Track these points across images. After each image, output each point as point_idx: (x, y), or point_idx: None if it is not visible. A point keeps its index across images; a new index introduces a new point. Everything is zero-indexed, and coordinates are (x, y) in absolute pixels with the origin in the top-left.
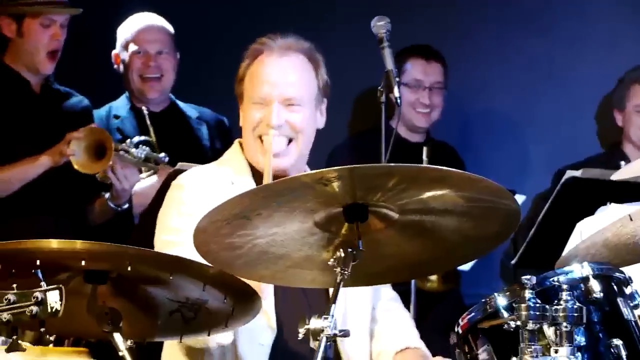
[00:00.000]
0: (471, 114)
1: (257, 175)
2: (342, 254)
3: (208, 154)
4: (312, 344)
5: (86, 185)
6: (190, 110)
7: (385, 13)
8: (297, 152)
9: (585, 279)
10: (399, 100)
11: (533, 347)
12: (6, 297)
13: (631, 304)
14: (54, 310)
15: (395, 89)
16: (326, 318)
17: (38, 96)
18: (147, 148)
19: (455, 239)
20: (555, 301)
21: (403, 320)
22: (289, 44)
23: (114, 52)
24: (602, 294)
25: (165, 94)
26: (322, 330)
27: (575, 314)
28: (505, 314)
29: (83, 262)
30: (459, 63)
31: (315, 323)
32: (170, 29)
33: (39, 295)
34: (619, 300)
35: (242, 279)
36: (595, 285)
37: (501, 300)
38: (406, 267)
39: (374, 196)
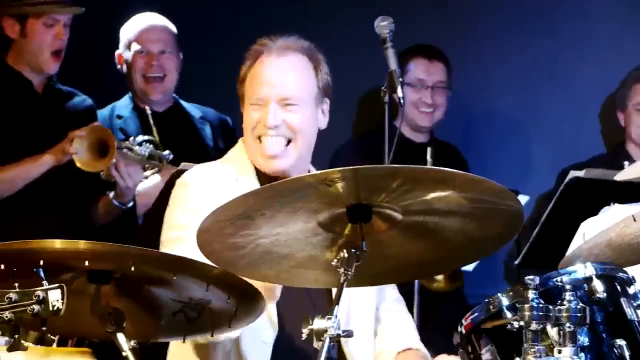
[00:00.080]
0: (474, 114)
1: (260, 174)
2: (346, 255)
3: (211, 154)
4: (316, 344)
5: (90, 184)
6: (194, 110)
7: (388, 13)
8: (296, 153)
9: (588, 279)
10: (402, 101)
11: (536, 347)
12: (8, 295)
13: (634, 304)
14: (55, 308)
15: (399, 89)
16: (329, 318)
17: (40, 96)
18: (151, 145)
19: (459, 240)
20: (559, 301)
21: (405, 322)
22: (288, 44)
23: (117, 52)
24: (605, 294)
25: (169, 95)
26: (326, 331)
27: (579, 314)
28: (509, 314)
29: (86, 262)
30: (463, 63)
31: (318, 323)
32: (173, 28)
33: (40, 293)
34: (623, 300)
35: (251, 281)
36: (598, 286)
37: (504, 301)
38: (409, 267)
39: (377, 197)
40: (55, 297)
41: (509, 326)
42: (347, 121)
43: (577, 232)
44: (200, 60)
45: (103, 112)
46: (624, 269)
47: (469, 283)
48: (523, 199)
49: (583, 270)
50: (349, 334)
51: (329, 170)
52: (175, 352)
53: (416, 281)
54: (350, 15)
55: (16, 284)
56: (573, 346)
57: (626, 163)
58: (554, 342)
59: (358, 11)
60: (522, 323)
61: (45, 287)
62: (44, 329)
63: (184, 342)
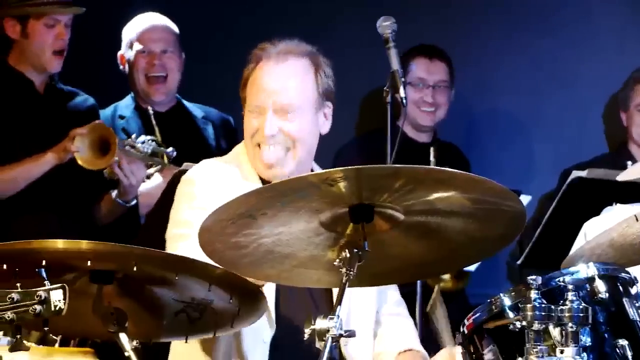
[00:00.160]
0: (477, 114)
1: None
2: (348, 255)
3: (214, 154)
4: (318, 345)
5: (92, 184)
6: (196, 110)
7: (391, 13)
8: (295, 161)
9: (590, 279)
10: (405, 101)
11: (539, 347)
12: (10, 296)
13: (637, 304)
14: (57, 308)
15: (401, 89)
16: (332, 318)
17: (42, 96)
18: (154, 143)
19: (461, 240)
20: (561, 301)
21: (406, 324)
22: (288, 49)
23: (119, 52)
24: (607, 294)
25: (171, 95)
26: (328, 331)
27: (581, 315)
28: (511, 314)
29: (89, 262)
30: (465, 63)
31: (320, 323)
32: (175, 28)
33: (42, 293)
34: (625, 300)
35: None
36: (600, 286)
37: (507, 301)
38: (411, 268)
39: (380, 197)
40: (57, 297)
41: (511, 326)
42: (349, 121)
43: (579, 232)
44: (202, 60)
45: (105, 112)
46: (627, 269)
47: (471, 283)
48: (525, 199)
49: (585, 270)
50: (351, 334)
51: (331, 169)
52: (176, 352)
53: (419, 282)
54: (352, 16)
55: (18, 284)
56: (575, 346)
57: (629, 163)
58: (556, 342)
59: (360, 11)
60: (524, 323)
61: (47, 287)
62: (46, 329)
63: (186, 342)
